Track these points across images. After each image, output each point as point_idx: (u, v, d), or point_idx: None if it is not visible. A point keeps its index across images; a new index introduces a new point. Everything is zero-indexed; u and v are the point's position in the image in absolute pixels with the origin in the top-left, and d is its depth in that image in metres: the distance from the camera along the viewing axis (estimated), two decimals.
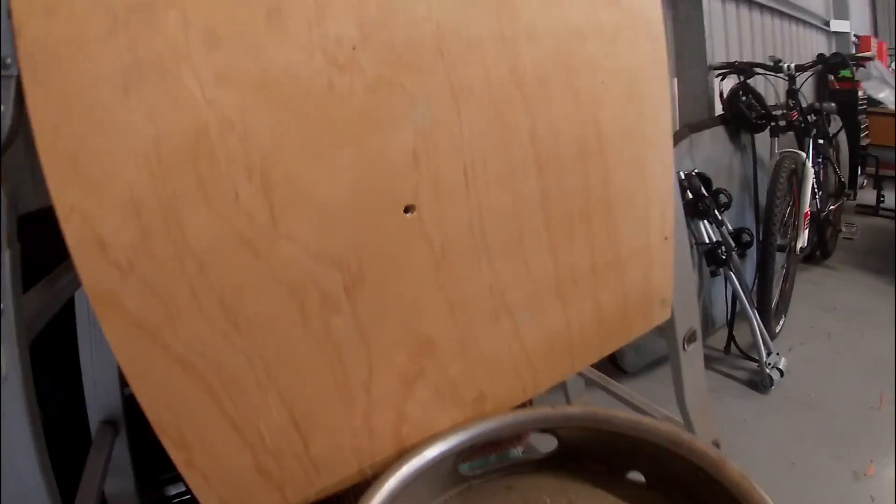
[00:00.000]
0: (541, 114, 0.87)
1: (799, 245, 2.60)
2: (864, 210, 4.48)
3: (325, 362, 0.76)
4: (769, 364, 2.27)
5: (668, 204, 1.14)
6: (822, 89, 4.10)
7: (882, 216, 4.40)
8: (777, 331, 2.64)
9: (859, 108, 3.44)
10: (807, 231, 2.63)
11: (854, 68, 3.25)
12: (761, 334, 2.36)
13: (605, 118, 0.96)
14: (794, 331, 2.66)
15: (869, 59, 3.26)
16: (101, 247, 0.58)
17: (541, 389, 1.04)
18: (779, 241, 2.70)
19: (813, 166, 2.88)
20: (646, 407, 1.56)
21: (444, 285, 0.84)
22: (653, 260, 1.14)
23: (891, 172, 4.63)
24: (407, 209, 0.77)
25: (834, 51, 5.09)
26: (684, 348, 1.32)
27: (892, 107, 4.19)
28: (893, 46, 6.41)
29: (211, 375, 0.69)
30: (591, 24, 0.90)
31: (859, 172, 4.43)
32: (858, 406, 2.06)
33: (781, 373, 2.27)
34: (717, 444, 1.41)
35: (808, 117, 3.11)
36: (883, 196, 4.51)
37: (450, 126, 0.78)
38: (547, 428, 0.95)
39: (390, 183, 0.75)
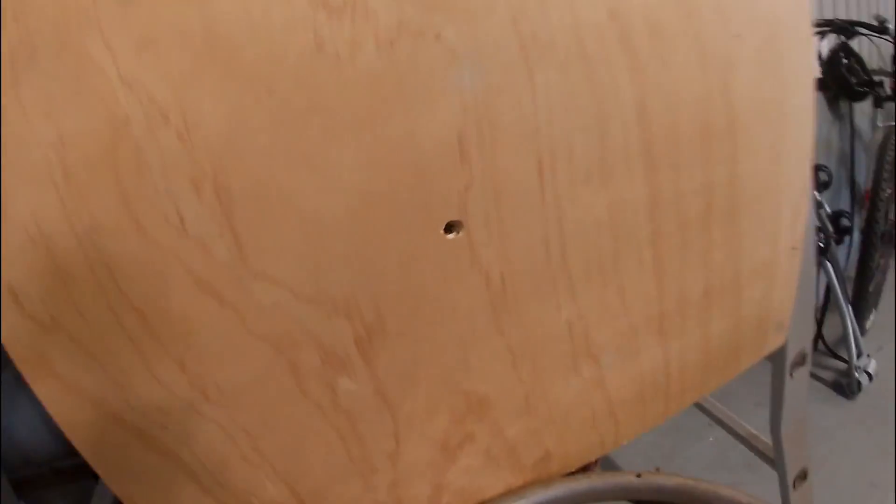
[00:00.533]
0: (653, 80, 0.58)
1: None
2: None
3: (332, 433, 0.54)
4: (858, 367, 1.97)
5: (802, 203, 0.83)
6: None
7: None
8: (867, 326, 2.29)
9: None
10: None
11: None
12: (854, 333, 2.03)
13: (738, 87, 0.66)
14: (884, 327, 2.29)
15: None
16: (13, 297, 0.42)
17: (622, 442, 0.77)
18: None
19: None
20: (733, 424, 1.30)
21: (504, 329, 0.57)
22: (776, 276, 0.85)
23: None
24: (449, 227, 0.50)
25: None
26: (791, 375, 1.02)
27: None
28: None
29: (181, 449, 0.49)
30: None
31: None
32: None
33: (870, 377, 1.96)
34: (804, 474, 1.13)
35: None
36: None
37: (516, 97, 0.50)
38: (629, 499, 0.70)
39: (423, 188, 0.48)
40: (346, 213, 0.45)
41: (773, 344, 0.89)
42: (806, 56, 0.74)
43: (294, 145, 0.42)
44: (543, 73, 0.50)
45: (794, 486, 1.06)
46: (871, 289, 2.39)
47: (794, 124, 0.75)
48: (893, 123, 2.49)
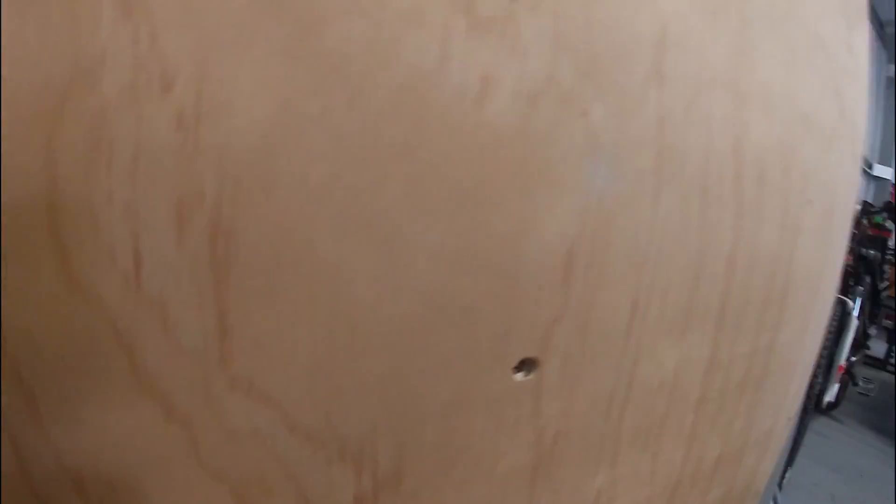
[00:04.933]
0: (747, 232, 0.42)
1: (827, 398, 2.05)
2: (872, 362, 3.68)
3: None
4: None
5: (806, 378, 0.69)
6: (854, 234, 3.50)
7: (889, 371, 3.66)
8: (781, 483, 2.10)
9: (886, 257, 2.85)
10: (837, 385, 2.09)
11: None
12: (774, 497, 1.83)
13: (800, 252, 0.52)
14: (799, 486, 2.12)
15: None
16: None
17: None
18: None
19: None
20: None
21: (535, 496, 0.37)
22: (769, 446, 0.69)
23: None
24: (522, 366, 0.31)
25: (872, 194, 4.59)
26: None
27: None
28: None
29: None
30: (816, 113, 0.48)
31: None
32: None
33: None
34: None
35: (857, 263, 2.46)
36: (895, 352, 3.71)
37: (638, 215, 0.33)
38: None
39: (509, 309, 0.29)
40: (403, 322, 0.25)
41: None
42: (845, 233, 0.61)
43: (360, 196, 0.22)
44: (668, 196, 0.34)
45: None
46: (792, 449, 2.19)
47: (823, 299, 0.62)
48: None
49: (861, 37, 0.57)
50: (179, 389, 0.22)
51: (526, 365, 0.31)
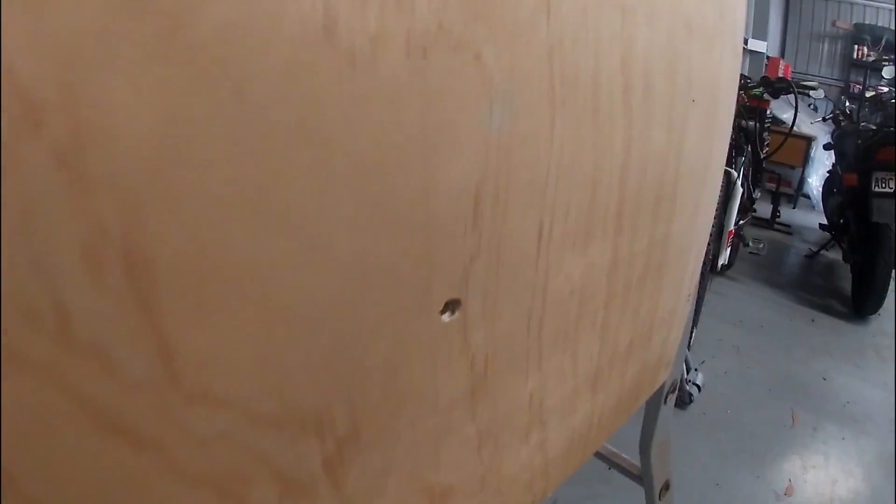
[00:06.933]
0: (638, 138, 0.46)
1: (721, 262, 2.29)
2: (759, 223, 4.19)
3: None
4: (689, 380, 1.92)
5: (701, 255, 0.77)
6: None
7: (776, 230, 4.15)
8: (691, 344, 2.37)
9: (765, 125, 3.14)
10: (728, 248, 2.33)
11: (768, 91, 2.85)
12: (685, 357, 2.04)
13: (687, 149, 0.57)
14: (705, 343, 2.32)
15: (813, 88, 2.94)
16: None
17: (547, 494, 0.65)
18: None
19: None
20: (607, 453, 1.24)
21: (477, 414, 0.41)
22: (674, 322, 0.79)
23: (789, 189, 4.50)
24: (447, 308, 0.33)
25: (748, 68, 4.81)
26: (665, 402, 0.99)
27: (797, 128, 3.91)
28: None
29: None
30: (698, 17, 0.50)
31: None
32: (773, 424, 1.83)
33: (699, 388, 1.92)
34: (668, 485, 1.12)
35: (738, 135, 2.64)
36: (779, 212, 4.24)
37: (537, 147, 0.34)
38: None
39: (428, 260, 0.30)
40: (335, 296, 0.26)
41: (662, 378, 0.83)
42: (729, 122, 0.67)
43: (268, 189, 0.21)
44: (562, 120, 0.35)
45: (659, 497, 1.02)
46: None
47: (712, 187, 0.69)
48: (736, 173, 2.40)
49: None
50: (141, 422, 0.22)
51: (450, 306, 0.33)
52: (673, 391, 1.00)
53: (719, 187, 0.73)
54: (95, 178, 0.16)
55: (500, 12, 0.28)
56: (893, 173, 2.55)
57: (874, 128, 2.97)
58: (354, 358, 0.28)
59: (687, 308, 0.82)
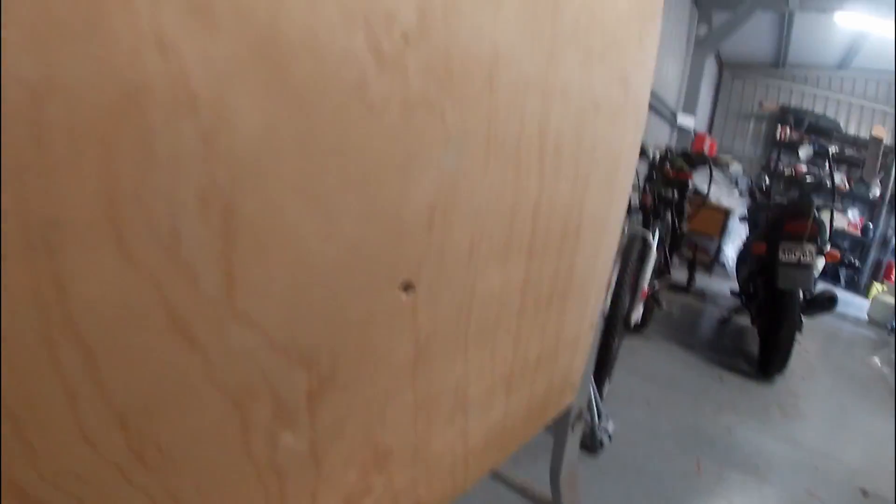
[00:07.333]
0: (548, 187, 0.61)
1: (634, 319, 2.46)
2: (676, 288, 4.52)
3: (260, 495, 0.42)
4: (602, 427, 2.03)
5: (602, 293, 0.94)
6: (655, 176, 3.79)
7: (693, 295, 4.49)
8: (604, 394, 2.48)
9: (686, 197, 3.40)
10: (641, 306, 2.51)
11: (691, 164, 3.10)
12: (595, 399, 2.08)
13: (589, 200, 0.74)
14: (618, 395, 2.45)
15: (728, 164, 3.22)
16: None
17: (467, 487, 0.76)
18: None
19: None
20: (508, 474, 1.35)
21: (416, 384, 0.53)
22: (578, 347, 0.94)
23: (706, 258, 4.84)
24: (406, 287, 0.46)
25: (675, 141, 5.16)
26: (572, 429, 1.12)
27: (714, 202, 4.20)
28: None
29: None
30: (605, 97, 0.68)
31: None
32: (680, 472, 1.96)
33: (610, 437, 2.04)
34: None
35: (658, 202, 2.85)
36: (694, 278, 4.64)
37: (474, 182, 0.49)
38: None
39: (397, 247, 0.43)
40: (336, 261, 0.38)
41: (567, 400, 0.97)
42: (628, 182, 0.85)
43: (314, 181, 0.34)
44: (493, 167, 0.50)
45: None
46: (608, 363, 2.48)
47: (612, 233, 0.86)
48: (636, 229, 2.53)
49: (652, 32, 0.77)
50: (201, 327, 0.32)
51: (408, 288, 0.46)
52: (579, 419, 1.14)
53: (618, 236, 0.90)
54: (221, 149, 0.29)
55: (459, 88, 0.43)
56: (798, 244, 2.83)
57: (786, 203, 3.32)
58: (340, 313, 0.41)
59: (589, 339, 0.98)
